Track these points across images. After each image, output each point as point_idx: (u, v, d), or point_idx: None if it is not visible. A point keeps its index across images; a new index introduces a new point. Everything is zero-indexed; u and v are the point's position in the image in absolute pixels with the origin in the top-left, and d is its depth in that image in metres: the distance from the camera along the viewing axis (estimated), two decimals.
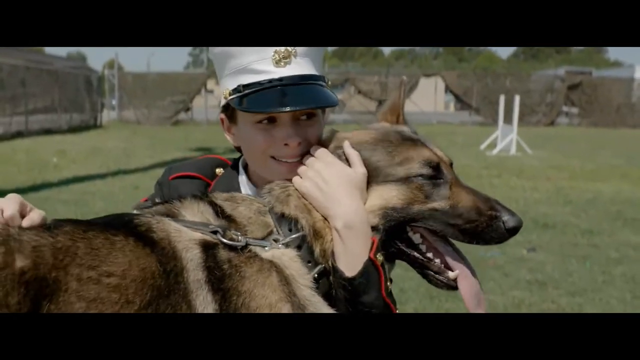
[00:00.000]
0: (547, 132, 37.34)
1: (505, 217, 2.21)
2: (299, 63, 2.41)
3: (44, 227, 2.01)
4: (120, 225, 2.10)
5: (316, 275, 2.22)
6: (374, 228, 2.25)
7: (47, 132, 31.58)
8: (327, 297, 2.22)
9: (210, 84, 45.46)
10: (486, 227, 2.23)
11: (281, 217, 2.27)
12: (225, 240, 2.13)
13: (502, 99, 27.28)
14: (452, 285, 2.31)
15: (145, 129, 37.03)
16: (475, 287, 2.32)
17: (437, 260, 2.32)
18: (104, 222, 2.12)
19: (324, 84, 2.48)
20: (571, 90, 45.30)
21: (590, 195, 14.46)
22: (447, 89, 47.71)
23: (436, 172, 2.28)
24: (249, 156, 2.62)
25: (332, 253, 2.23)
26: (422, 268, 2.33)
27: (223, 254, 2.12)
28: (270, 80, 2.39)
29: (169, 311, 1.99)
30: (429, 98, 47.32)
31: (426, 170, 2.27)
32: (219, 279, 2.06)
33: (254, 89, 2.40)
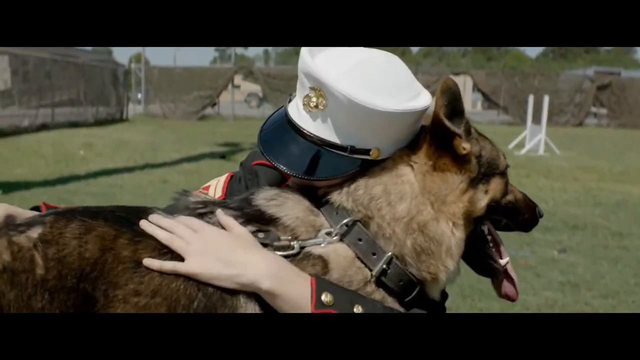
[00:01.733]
0: (576, 133, 37.04)
1: (537, 206, 2.40)
2: (326, 119, 2.12)
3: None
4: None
5: (384, 266, 2.07)
6: (478, 220, 2.18)
7: (73, 125, 31.69)
8: (402, 285, 2.10)
9: (237, 79, 45.49)
10: (533, 216, 2.37)
11: (339, 212, 2.12)
12: (279, 254, 2.03)
13: (531, 99, 27.08)
14: (502, 271, 2.35)
15: (171, 123, 37.12)
16: None
17: (494, 249, 2.33)
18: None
19: (342, 152, 2.13)
20: (600, 90, 44.87)
21: (619, 197, 14.31)
22: (475, 88, 47.44)
23: None
24: None
25: None
26: (486, 258, 2.30)
27: None
28: (289, 122, 2.20)
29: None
30: None
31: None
32: None
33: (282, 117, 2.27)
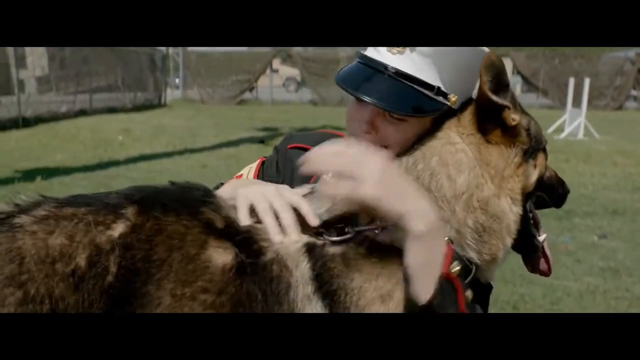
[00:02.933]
0: (615, 117, 36.50)
1: (565, 182, 2.37)
2: (413, 59, 2.07)
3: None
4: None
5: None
6: (528, 196, 2.14)
7: (111, 110, 31.78)
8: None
9: (276, 63, 45.30)
10: (564, 191, 2.36)
11: None
12: (333, 239, 1.93)
13: (571, 82, 26.66)
14: (541, 247, 2.33)
15: (209, 108, 37.22)
16: None
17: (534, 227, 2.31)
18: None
19: (428, 92, 2.08)
20: None
21: None
22: (515, 70, 46.62)
23: None
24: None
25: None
26: (530, 236, 2.24)
27: (334, 250, 1.91)
28: (371, 60, 2.13)
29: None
30: None
31: None
32: (328, 281, 1.87)
33: (358, 61, 2.21)
